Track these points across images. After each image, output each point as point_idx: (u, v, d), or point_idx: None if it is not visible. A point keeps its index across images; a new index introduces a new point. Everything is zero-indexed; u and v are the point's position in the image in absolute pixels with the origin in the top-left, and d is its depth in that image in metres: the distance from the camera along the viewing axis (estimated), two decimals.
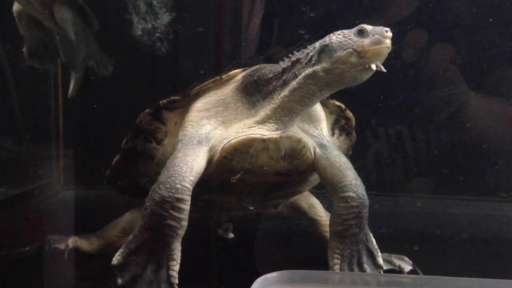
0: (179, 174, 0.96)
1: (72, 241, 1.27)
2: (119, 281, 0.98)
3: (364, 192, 1.04)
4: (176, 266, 0.97)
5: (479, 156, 1.77)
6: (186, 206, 0.96)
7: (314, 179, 1.16)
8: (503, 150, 1.76)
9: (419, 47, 1.68)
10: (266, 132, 1.01)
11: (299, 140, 1.03)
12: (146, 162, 1.17)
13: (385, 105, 1.77)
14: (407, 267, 1.21)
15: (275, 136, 1.01)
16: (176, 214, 0.95)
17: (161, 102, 1.11)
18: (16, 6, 1.53)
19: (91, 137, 1.85)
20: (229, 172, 1.04)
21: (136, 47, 1.66)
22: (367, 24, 0.94)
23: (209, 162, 1.03)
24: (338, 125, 1.22)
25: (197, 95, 1.09)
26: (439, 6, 1.68)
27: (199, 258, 1.32)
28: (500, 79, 1.71)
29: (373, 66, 0.91)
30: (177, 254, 0.97)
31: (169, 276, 0.96)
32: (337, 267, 1.03)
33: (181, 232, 0.97)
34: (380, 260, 1.08)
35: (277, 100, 1.00)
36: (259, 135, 1.01)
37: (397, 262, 1.22)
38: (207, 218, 1.26)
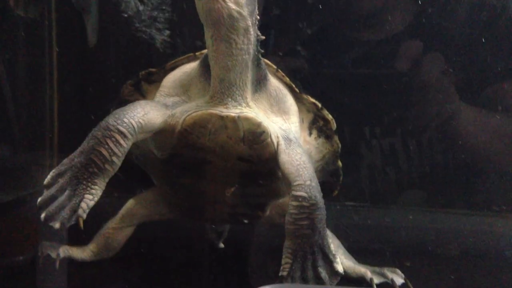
0: (131, 112, 1.01)
1: (63, 250, 1.25)
2: (39, 199, 0.99)
3: (318, 195, 1.03)
4: (90, 201, 0.98)
5: (471, 169, 1.79)
6: (124, 144, 0.99)
7: None
8: (495, 164, 1.78)
9: (412, 57, 1.70)
10: (225, 109, 1.03)
11: (259, 124, 1.04)
12: None
13: (378, 115, 1.79)
14: (399, 280, 1.22)
15: (233, 114, 1.03)
16: (111, 145, 0.98)
17: (140, 73, 1.17)
18: None
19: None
20: (192, 148, 1.06)
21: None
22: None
23: (171, 132, 1.05)
24: (316, 125, 1.22)
25: (172, 70, 1.14)
26: (432, 21, 1.70)
27: (187, 269, 1.32)
28: (491, 92, 1.73)
29: None
30: (97, 191, 0.98)
31: (78, 207, 0.97)
32: (287, 266, 1.03)
33: (109, 168, 0.99)
34: (338, 267, 1.06)
35: (213, 69, 1.03)
36: (217, 111, 1.03)
37: (390, 275, 1.22)
38: (198, 213, 1.27)
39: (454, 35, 1.72)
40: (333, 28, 1.78)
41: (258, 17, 1.02)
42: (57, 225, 0.97)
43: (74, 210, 0.97)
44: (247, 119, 1.03)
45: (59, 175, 0.99)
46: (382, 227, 1.71)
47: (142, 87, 1.18)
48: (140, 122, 1.01)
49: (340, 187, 1.36)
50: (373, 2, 1.73)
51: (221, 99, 1.03)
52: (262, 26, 1.68)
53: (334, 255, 1.06)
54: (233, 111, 1.03)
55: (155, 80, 1.17)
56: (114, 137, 0.98)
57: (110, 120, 0.99)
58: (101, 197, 1.27)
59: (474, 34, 1.71)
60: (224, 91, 1.03)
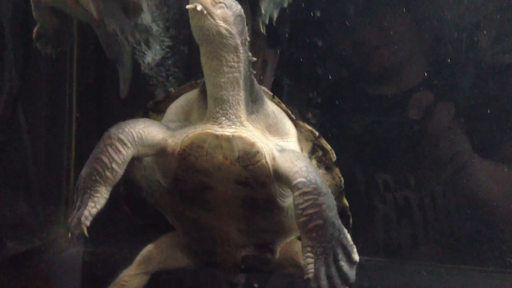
0: (133, 123, 1.09)
1: None
2: None
3: (318, 179, 1.03)
4: (93, 209, 1.04)
5: (485, 223, 1.77)
6: (124, 151, 1.05)
7: (288, 205, 1.15)
8: (509, 217, 1.76)
9: (424, 105, 1.71)
10: (219, 128, 1.06)
11: (252, 144, 1.06)
12: (138, 166, 1.23)
13: (391, 165, 1.79)
14: None
15: (227, 133, 1.05)
16: (111, 152, 1.05)
17: (148, 104, 1.23)
18: None
19: None
20: (191, 170, 1.09)
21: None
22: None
23: (172, 154, 1.09)
24: (315, 155, 1.22)
25: (176, 97, 1.19)
26: (446, 73, 1.73)
27: None
28: (505, 143, 1.74)
29: (187, 6, 0.98)
30: (99, 199, 1.04)
31: (81, 215, 1.03)
32: (310, 266, 1.00)
33: (110, 176, 1.05)
34: (356, 256, 1.04)
35: (207, 89, 1.07)
36: (212, 130, 1.06)
37: None
38: (210, 256, 1.27)
39: (466, 87, 1.74)
40: (349, 80, 1.80)
41: (249, 39, 1.07)
42: (69, 235, 1.04)
43: (79, 219, 1.03)
44: (241, 138, 1.06)
45: (75, 189, 1.07)
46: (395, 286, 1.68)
47: (151, 117, 1.22)
48: (140, 133, 1.07)
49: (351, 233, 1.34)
50: (390, 59, 1.78)
51: (215, 118, 1.07)
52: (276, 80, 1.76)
53: (351, 245, 1.05)
54: (227, 130, 1.06)
55: (162, 110, 1.21)
56: (114, 144, 1.05)
57: (112, 129, 1.07)
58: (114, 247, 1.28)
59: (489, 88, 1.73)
60: (218, 109, 1.06)
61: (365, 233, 1.78)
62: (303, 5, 1.71)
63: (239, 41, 1.03)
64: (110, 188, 1.06)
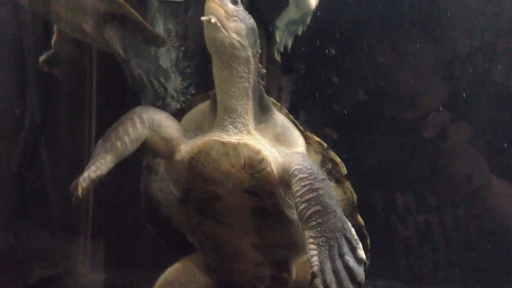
0: (158, 111, 1.17)
1: None
2: None
3: (314, 166, 1.03)
4: (93, 173, 1.09)
5: (506, 247, 1.75)
6: (139, 128, 1.11)
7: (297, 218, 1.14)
8: None
9: (439, 125, 1.73)
10: (226, 136, 1.09)
11: (258, 151, 1.08)
12: (154, 179, 1.28)
13: (412, 189, 1.78)
14: None
15: (233, 140, 1.08)
16: (129, 125, 1.11)
17: None
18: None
19: (118, 223, 1.90)
20: (200, 179, 1.12)
21: None
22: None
23: (182, 162, 1.13)
24: (325, 167, 1.22)
25: (190, 109, 1.24)
26: (463, 96, 1.74)
27: None
28: None
29: (202, 18, 1.03)
30: (102, 165, 1.10)
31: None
32: (315, 259, 0.95)
33: (119, 147, 1.10)
34: (361, 253, 0.98)
35: (218, 98, 1.12)
36: (219, 138, 1.09)
37: None
38: (228, 275, 1.28)
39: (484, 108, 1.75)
40: (368, 104, 1.82)
41: (260, 51, 1.12)
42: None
43: (78, 181, 1.08)
44: (246, 145, 1.08)
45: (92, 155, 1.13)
46: None
47: None
48: (160, 121, 1.13)
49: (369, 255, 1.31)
50: (411, 84, 1.79)
51: (224, 126, 1.11)
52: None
53: (356, 240, 0.99)
54: (234, 137, 1.09)
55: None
56: (134, 119, 1.12)
57: (138, 108, 1.14)
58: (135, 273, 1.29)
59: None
60: (227, 118, 1.10)
61: (383, 257, 1.77)
62: (322, 30, 1.74)
63: (250, 53, 1.08)
64: (116, 159, 1.11)
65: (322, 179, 1.02)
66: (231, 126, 1.10)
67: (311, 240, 0.97)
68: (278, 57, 1.56)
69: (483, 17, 1.76)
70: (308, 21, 1.54)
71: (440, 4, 1.76)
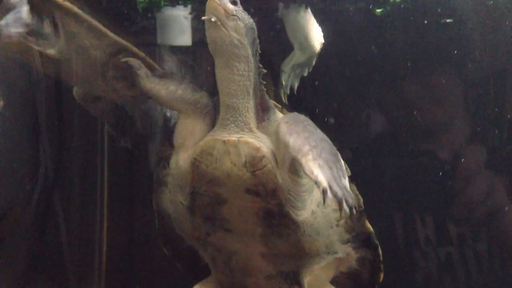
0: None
1: None
2: None
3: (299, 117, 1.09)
4: None
5: None
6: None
7: (303, 220, 1.15)
8: None
9: (455, 147, 1.72)
10: (227, 134, 1.12)
11: (258, 149, 1.10)
12: (164, 191, 1.29)
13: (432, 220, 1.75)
14: None
15: (233, 138, 1.11)
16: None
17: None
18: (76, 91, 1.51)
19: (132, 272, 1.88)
20: (204, 180, 1.13)
21: None
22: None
23: (186, 165, 1.16)
24: None
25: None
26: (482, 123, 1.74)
27: None
28: None
29: (203, 17, 1.07)
30: None
31: None
32: (320, 176, 0.94)
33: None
34: (346, 182, 0.97)
35: (220, 97, 1.15)
36: (220, 137, 1.12)
37: None
38: None
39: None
40: (391, 134, 1.82)
41: (260, 51, 1.15)
42: None
43: None
44: (246, 143, 1.11)
45: None
46: None
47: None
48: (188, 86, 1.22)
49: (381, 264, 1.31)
50: (436, 117, 1.77)
51: (225, 125, 1.14)
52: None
53: (345, 171, 0.99)
54: (234, 135, 1.12)
55: None
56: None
57: None
58: None
59: None
60: (229, 117, 1.13)
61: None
62: (345, 61, 1.76)
63: (250, 52, 1.11)
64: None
65: (306, 119, 1.08)
66: (233, 125, 1.13)
67: (310, 163, 0.98)
68: (284, 99, 1.58)
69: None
70: (314, 62, 1.57)
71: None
